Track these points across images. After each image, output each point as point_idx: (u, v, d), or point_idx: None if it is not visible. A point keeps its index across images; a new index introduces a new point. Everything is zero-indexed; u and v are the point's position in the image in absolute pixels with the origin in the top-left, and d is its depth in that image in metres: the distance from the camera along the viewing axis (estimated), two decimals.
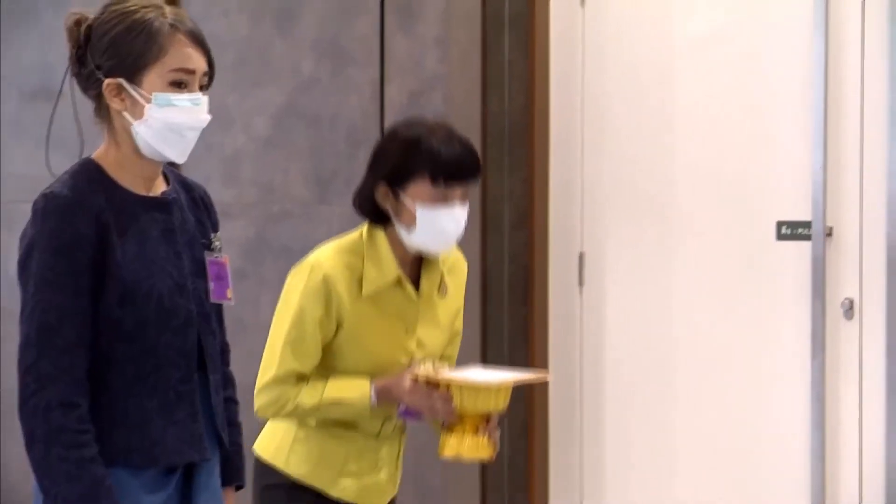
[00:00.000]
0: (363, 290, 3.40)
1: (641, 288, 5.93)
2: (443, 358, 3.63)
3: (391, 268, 3.42)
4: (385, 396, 3.41)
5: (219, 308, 3.01)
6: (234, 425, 3.06)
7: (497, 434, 3.49)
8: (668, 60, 5.83)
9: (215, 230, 2.97)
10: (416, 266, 3.51)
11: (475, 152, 3.45)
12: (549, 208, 6.11)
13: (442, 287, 3.58)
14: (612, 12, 5.98)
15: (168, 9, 2.79)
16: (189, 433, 2.84)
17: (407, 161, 3.37)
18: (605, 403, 6.05)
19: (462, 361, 3.88)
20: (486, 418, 3.47)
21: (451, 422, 3.45)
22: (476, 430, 3.46)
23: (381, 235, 3.44)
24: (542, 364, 6.01)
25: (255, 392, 3.43)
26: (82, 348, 2.68)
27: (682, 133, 5.84)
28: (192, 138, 2.81)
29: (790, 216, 5.65)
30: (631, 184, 5.94)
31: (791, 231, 5.63)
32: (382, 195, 3.40)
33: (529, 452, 6.06)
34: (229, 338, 3.13)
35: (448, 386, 3.40)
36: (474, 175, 3.43)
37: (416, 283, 3.51)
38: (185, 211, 2.89)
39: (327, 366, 3.46)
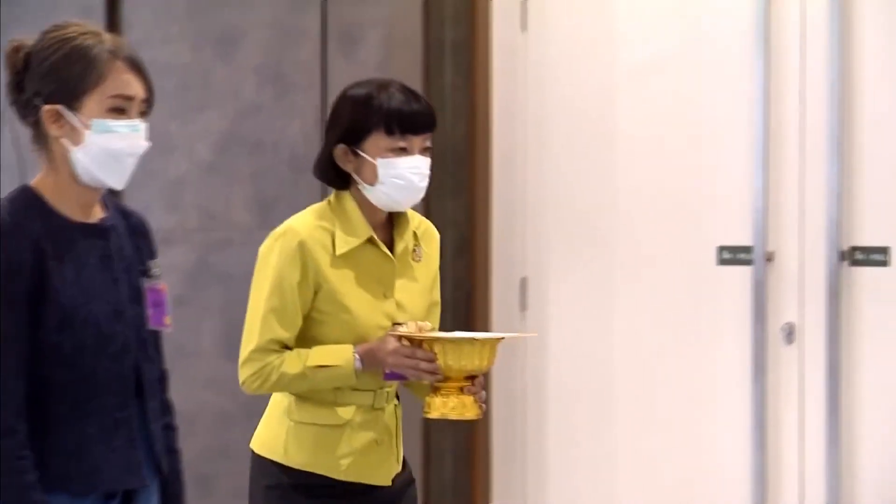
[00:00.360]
0: (337, 251, 3.44)
1: (583, 312, 6.00)
2: None
3: (362, 227, 3.47)
4: (370, 359, 3.43)
5: (156, 335, 3.02)
6: (173, 452, 3.06)
7: (483, 395, 3.51)
8: (609, 86, 5.92)
9: (153, 257, 3.00)
10: (388, 229, 3.56)
11: (428, 103, 3.51)
12: (491, 233, 6.18)
13: (417, 251, 3.61)
14: (555, 38, 6.08)
15: (107, 36, 2.83)
16: (127, 460, 2.85)
17: (360, 117, 3.44)
18: (548, 426, 6.12)
19: None
20: (472, 378, 3.49)
21: (436, 382, 3.46)
22: (461, 391, 3.48)
23: (347, 198, 3.49)
24: (486, 388, 6.10)
25: (239, 365, 3.45)
26: (21, 374, 2.69)
27: (623, 158, 5.93)
28: (130, 164, 2.83)
29: (731, 241, 5.75)
30: (572, 209, 6.03)
31: (732, 256, 5.73)
32: (342, 156, 3.46)
33: (472, 475, 6.12)
34: (169, 364, 3.15)
35: (432, 344, 3.42)
36: (429, 125, 3.48)
37: (391, 247, 3.54)
38: (123, 238, 2.91)
39: (310, 337, 3.47)
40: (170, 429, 3.04)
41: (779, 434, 5.92)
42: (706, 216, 5.81)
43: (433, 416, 3.50)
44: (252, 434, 3.63)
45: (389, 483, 3.60)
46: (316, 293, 3.47)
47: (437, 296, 3.72)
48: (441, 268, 3.77)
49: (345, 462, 3.50)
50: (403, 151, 3.45)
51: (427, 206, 5.87)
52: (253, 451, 3.58)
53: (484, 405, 3.52)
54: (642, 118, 5.90)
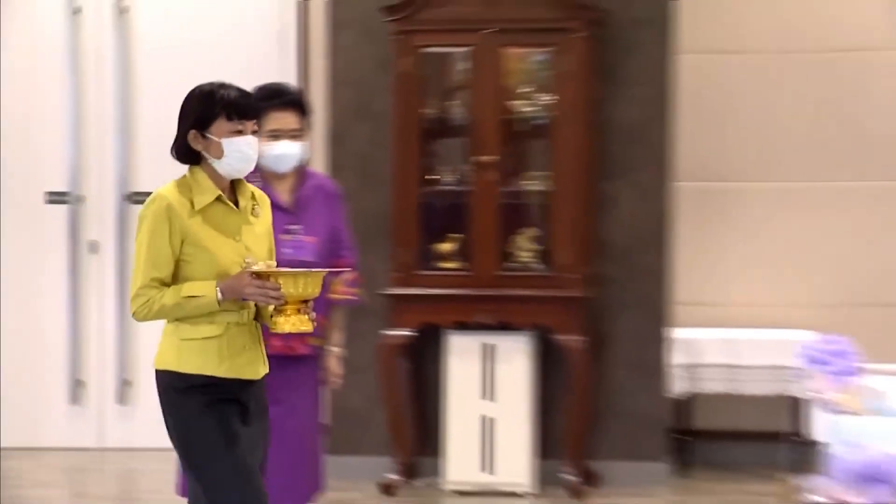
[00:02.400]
0: (195, 207, 4.01)
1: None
2: None
3: (212, 189, 4.04)
4: (229, 290, 3.99)
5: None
6: None
7: (313, 315, 4.13)
8: None
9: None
10: (232, 194, 4.14)
11: (252, 96, 4.21)
12: None
13: (255, 210, 4.21)
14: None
15: None
16: None
17: (207, 108, 4.02)
18: None
19: None
20: (305, 302, 4.11)
21: (279, 306, 4.06)
22: (298, 311, 4.10)
23: (198, 170, 4.06)
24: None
25: (130, 300, 4.01)
26: None
27: None
28: None
29: (55, 188, 7.91)
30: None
31: (57, 197, 7.87)
32: (193, 139, 4.01)
33: None
34: None
35: (277, 278, 4.00)
36: (256, 112, 4.14)
37: (236, 206, 4.17)
38: None
39: (182, 277, 4.04)
40: None
41: (89, 317, 8.00)
42: (37, 170, 7.93)
43: (278, 331, 4.11)
44: None
45: (259, 377, 4.20)
46: (183, 241, 3.99)
47: (272, 243, 4.29)
48: None
49: (224, 364, 4.07)
50: (239, 133, 4.03)
51: None
52: (156, 369, 4.10)
53: (315, 322, 4.14)
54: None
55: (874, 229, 7.97)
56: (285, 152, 5.15)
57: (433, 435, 7.44)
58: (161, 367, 4.05)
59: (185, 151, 4.04)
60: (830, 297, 7.96)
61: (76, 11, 8.13)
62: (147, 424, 7.76)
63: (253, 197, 4.19)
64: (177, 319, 4.03)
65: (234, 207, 4.11)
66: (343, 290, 5.44)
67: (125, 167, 8.21)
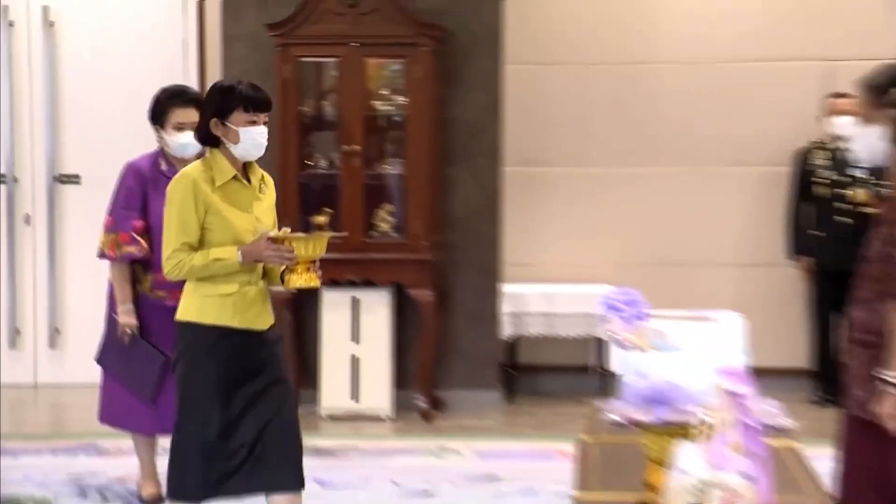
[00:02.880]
0: (216, 184, 4.16)
1: None
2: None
3: (229, 169, 4.20)
4: (249, 255, 4.15)
5: None
6: None
7: (319, 272, 4.24)
8: None
9: None
10: (245, 173, 4.28)
11: (267, 93, 4.31)
12: None
13: (262, 188, 4.33)
14: None
15: None
16: None
17: (227, 100, 4.16)
18: None
19: None
20: (313, 262, 4.21)
21: (291, 265, 4.17)
22: (308, 270, 4.21)
23: (217, 153, 4.22)
24: None
25: (163, 262, 4.17)
26: None
27: None
28: None
29: None
30: None
31: None
32: (214, 125, 4.15)
33: None
34: None
35: (290, 241, 4.12)
36: (269, 106, 4.26)
37: (248, 182, 4.31)
38: None
39: (205, 242, 4.18)
40: None
41: (23, 280, 8.45)
42: None
43: (290, 287, 4.23)
44: None
45: (266, 328, 4.32)
46: (206, 212, 4.13)
47: (275, 215, 4.40)
48: None
49: (237, 316, 4.21)
50: (254, 123, 4.17)
51: None
52: (178, 321, 4.27)
53: (321, 277, 4.23)
54: None
55: (662, 204, 8.21)
56: (188, 141, 5.22)
57: (311, 371, 7.62)
58: (183, 319, 4.23)
59: (206, 136, 4.21)
60: (627, 258, 8.18)
61: (11, 24, 8.47)
62: (73, 364, 8.29)
63: (262, 178, 4.34)
64: (200, 279, 4.17)
65: (247, 184, 4.26)
66: None
67: (53, 153, 8.54)
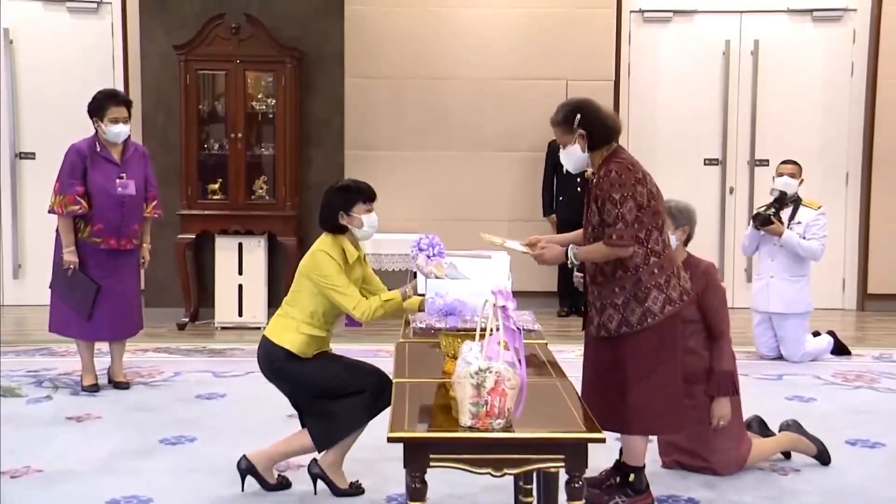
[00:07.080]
0: (348, 260, 3.77)
1: None
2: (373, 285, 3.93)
3: (354, 252, 3.81)
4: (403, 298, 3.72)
5: None
6: None
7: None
8: None
9: None
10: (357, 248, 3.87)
11: (370, 186, 3.82)
12: None
13: (364, 257, 3.92)
14: None
15: None
16: None
17: (350, 196, 3.76)
18: None
19: None
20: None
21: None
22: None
23: (344, 238, 3.79)
24: None
25: (354, 310, 3.64)
26: None
27: None
28: None
29: None
30: None
31: None
32: (341, 217, 3.74)
33: None
34: None
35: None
36: (375, 198, 3.78)
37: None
38: None
39: (321, 304, 3.75)
40: None
41: None
42: None
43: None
44: None
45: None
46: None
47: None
48: None
49: (311, 350, 3.78)
50: (370, 211, 3.76)
51: None
52: (270, 339, 3.76)
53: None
54: None
55: (455, 177, 8.07)
56: (120, 131, 5.25)
57: (209, 296, 7.46)
58: (279, 343, 3.73)
59: (335, 225, 3.76)
60: (431, 214, 8.01)
61: None
62: (31, 291, 8.05)
63: (360, 249, 3.90)
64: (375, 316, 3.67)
65: (363, 262, 3.88)
66: (151, 211, 5.54)
67: (14, 136, 8.12)
